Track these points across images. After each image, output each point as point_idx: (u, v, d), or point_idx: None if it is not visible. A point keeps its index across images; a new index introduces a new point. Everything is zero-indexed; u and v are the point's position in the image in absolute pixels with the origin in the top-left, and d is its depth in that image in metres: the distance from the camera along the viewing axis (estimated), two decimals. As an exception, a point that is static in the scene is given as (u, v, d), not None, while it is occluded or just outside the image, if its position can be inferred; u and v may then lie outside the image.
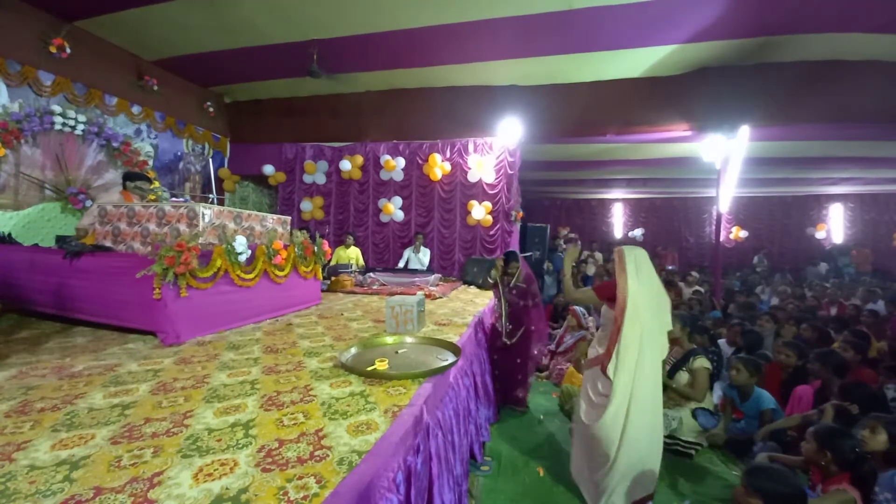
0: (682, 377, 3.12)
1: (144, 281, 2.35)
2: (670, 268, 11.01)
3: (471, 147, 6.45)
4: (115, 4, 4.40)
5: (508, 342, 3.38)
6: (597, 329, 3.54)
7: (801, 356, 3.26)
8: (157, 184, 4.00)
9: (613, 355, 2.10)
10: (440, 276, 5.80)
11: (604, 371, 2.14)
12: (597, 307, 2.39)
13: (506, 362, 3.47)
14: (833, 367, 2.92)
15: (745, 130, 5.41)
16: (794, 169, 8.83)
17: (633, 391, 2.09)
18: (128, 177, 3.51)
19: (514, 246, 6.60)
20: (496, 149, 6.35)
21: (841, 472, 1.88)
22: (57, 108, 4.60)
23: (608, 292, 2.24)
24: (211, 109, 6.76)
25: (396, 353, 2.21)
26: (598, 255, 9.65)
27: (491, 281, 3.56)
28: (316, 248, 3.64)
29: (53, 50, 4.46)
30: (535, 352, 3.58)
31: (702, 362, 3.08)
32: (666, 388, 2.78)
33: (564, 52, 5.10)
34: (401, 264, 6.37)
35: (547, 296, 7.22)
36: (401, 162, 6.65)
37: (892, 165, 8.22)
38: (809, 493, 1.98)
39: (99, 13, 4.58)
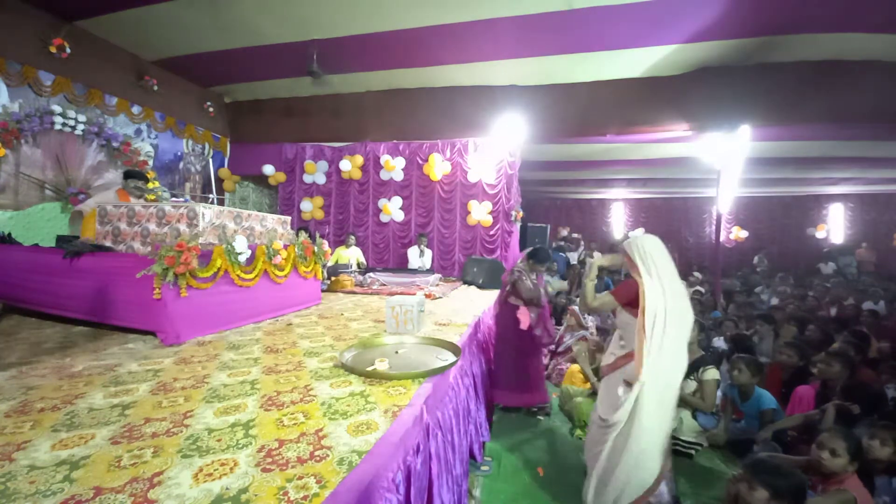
0: (689, 385, 3.10)
1: (144, 281, 2.35)
2: None
3: (471, 147, 6.45)
4: (115, 4, 4.40)
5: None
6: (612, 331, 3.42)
7: (802, 356, 3.25)
8: (156, 184, 4.00)
9: (641, 369, 1.87)
10: (440, 276, 5.80)
11: (630, 383, 1.94)
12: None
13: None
14: (843, 365, 2.89)
15: (745, 130, 5.41)
16: (794, 169, 8.84)
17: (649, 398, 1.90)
18: (126, 175, 3.52)
19: (515, 246, 6.60)
20: (496, 149, 6.34)
21: (854, 473, 1.89)
22: (57, 108, 4.60)
23: (628, 295, 1.99)
24: (211, 109, 6.76)
25: (396, 353, 2.20)
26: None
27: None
28: (316, 248, 3.64)
29: (53, 50, 4.46)
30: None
31: (712, 374, 3.04)
32: None
33: (564, 52, 5.10)
34: (412, 264, 6.34)
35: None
36: (401, 162, 6.65)
37: (892, 165, 8.22)
38: (811, 493, 1.98)
39: (99, 13, 4.58)
